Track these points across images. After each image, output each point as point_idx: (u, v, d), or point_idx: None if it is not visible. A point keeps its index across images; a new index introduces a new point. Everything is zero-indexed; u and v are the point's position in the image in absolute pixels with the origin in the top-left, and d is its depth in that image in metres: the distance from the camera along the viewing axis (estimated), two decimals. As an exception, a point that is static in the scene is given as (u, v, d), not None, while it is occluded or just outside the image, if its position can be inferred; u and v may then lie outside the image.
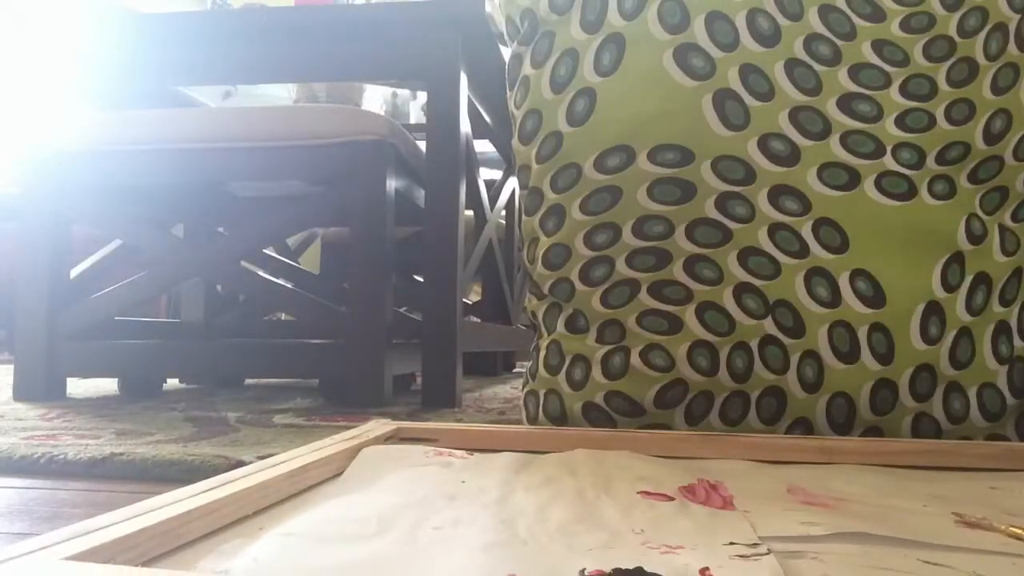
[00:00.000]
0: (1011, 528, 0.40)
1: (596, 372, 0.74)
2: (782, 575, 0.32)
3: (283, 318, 2.29)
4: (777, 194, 0.70)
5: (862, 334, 0.68)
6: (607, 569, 0.32)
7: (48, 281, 1.27)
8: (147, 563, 0.32)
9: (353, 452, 0.55)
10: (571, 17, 0.76)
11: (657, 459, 0.58)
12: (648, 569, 0.32)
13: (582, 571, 0.32)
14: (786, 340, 0.69)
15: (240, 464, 0.66)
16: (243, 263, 1.35)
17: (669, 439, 0.62)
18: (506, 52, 0.84)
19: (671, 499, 0.45)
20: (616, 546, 0.36)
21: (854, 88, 0.71)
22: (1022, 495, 0.49)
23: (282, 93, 2.73)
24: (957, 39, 0.72)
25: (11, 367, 1.31)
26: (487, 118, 1.63)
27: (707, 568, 0.32)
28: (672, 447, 0.62)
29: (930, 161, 0.69)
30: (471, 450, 0.61)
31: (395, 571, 0.32)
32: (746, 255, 0.70)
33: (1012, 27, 0.70)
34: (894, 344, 0.67)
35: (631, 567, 0.32)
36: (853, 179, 0.69)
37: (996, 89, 0.70)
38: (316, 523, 0.39)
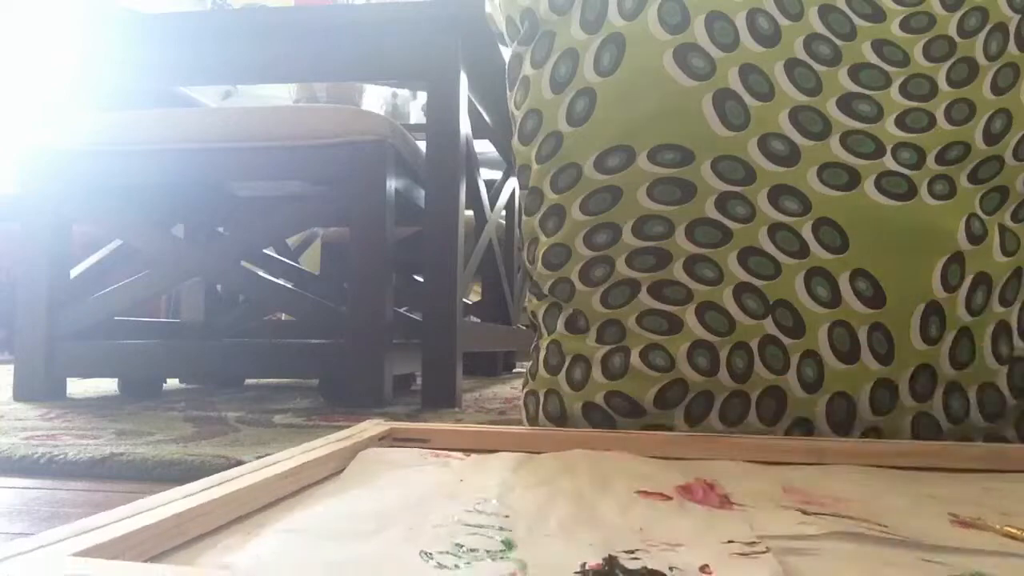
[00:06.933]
0: (1006, 528, 0.40)
1: (596, 372, 0.74)
2: (781, 573, 0.32)
3: (283, 318, 2.29)
4: (777, 194, 0.70)
5: (862, 334, 0.68)
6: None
7: (48, 281, 1.27)
8: (151, 559, 0.32)
9: (347, 452, 0.55)
10: (571, 17, 0.76)
11: (654, 459, 0.58)
12: (649, 566, 0.32)
13: (583, 565, 0.32)
14: (786, 340, 0.69)
15: (240, 464, 0.66)
16: (243, 263, 1.35)
17: (665, 440, 0.62)
18: (506, 52, 0.84)
19: (669, 498, 0.45)
20: (616, 543, 0.36)
21: (854, 88, 0.71)
22: (1015, 496, 0.49)
23: (282, 93, 2.73)
24: (957, 39, 0.72)
25: (11, 367, 1.31)
26: (487, 118, 1.63)
27: (707, 565, 0.32)
28: (668, 448, 0.62)
29: (930, 161, 0.70)
30: (467, 451, 0.61)
31: (397, 568, 0.32)
32: (746, 255, 0.70)
33: (1012, 27, 0.70)
34: (894, 344, 0.67)
35: (632, 564, 0.32)
36: (853, 179, 0.69)
37: (996, 89, 0.70)
38: (316, 520, 0.39)
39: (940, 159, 0.70)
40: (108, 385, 1.63)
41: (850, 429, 0.69)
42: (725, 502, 0.44)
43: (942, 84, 0.71)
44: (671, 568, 0.32)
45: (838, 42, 0.72)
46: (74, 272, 1.35)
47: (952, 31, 0.72)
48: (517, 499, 0.44)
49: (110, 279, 1.41)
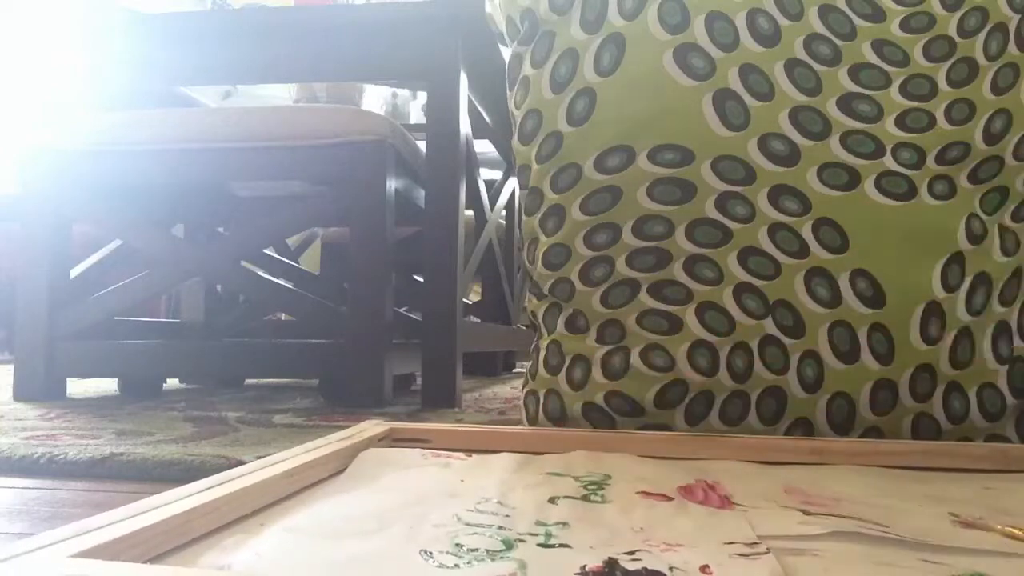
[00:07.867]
0: (1007, 528, 0.40)
1: (596, 372, 0.74)
2: (782, 574, 0.32)
3: (283, 318, 2.29)
4: (777, 194, 0.70)
5: (862, 334, 0.68)
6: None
7: (48, 281, 1.27)
8: (152, 560, 0.32)
9: (347, 452, 0.55)
10: (571, 17, 0.76)
11: (655, 460, 0.58)
12: (649, 567, 0.32)
13: (583, 567, 0.32)
14: (786, 340, 0.69)
15: (240, 464, 0.66)
16: (243, 263, 1.35)
17: (666, 440, 0.62)
18: (506, 52, 0.84)
19: (670, 499, 0.45)
20: (616, 544, 0.36)
21: (854, 88, 0.71)
22: (1016, 495, 0.49)
23: (282, 93, 2.73)
24: (957, 39, 0.72)
25: (11, 367, 1.31)
26: (487, 118, 1.63)
27: (707, 565, 0.32)
28: (669, 448, 0.62)
29: (930, 161, 0.70)
30: (467, 451, 0.61)
31: (397, 568, 0.32)
32: (746, 255, 0.70)
33: (1012, 27, 0.70)
34: (894, 344, 0.67)
35: (632, 565, 0.32)
36: (853, 179, 0.69)
37: (996, 89, 0.70)
38: (317, 520, 0.39)
39: (940, 159, 0.70)
40: (108, 385, 1.63)
41: (850, 429, 0.70)
42: (726, 503, 0.44)
43: (942, 84, 0.71)
44: (671, 568, 0.32)
45: (838, 42, 0.72)
46: (74, 272, 1.35)
47: (952, 31, 0.72)
48: (518, 499, 0.44)
49: (110, 279, 1.41)
